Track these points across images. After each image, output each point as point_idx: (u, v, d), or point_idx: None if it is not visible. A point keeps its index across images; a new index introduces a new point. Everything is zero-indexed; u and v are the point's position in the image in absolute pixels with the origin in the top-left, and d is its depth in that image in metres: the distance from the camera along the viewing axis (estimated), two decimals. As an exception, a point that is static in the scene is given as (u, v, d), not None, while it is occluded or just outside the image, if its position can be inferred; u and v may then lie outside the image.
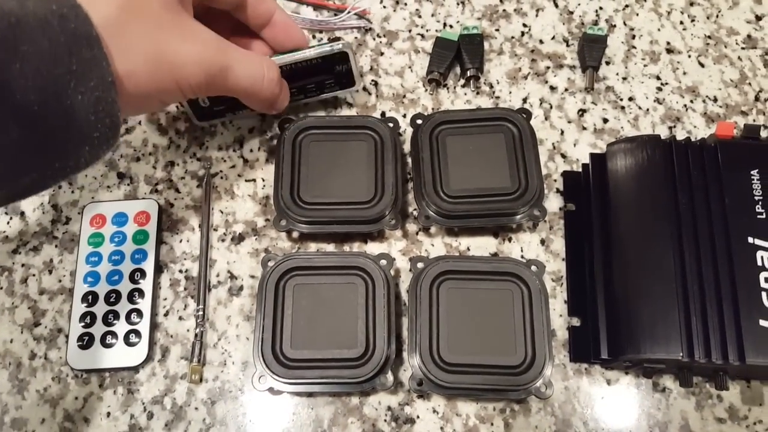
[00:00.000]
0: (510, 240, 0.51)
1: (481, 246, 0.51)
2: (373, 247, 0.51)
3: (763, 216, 0.45)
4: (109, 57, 0.34)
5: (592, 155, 0.50)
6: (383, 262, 0.47)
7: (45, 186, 0.36)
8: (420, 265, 0.47)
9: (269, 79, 0.46)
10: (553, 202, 0.52)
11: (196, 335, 0.48)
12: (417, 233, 0.52)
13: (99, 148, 0.36)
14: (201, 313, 0.48)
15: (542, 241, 0.51)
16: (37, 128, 0.32)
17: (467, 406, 0.46)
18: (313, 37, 0.60)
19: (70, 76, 0.33)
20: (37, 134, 0.32)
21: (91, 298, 0.48)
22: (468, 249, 0.51)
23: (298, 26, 0.52)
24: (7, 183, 0.34)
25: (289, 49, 0.50)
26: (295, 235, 0.51)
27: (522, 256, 0.51)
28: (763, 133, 0.50)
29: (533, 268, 0.47)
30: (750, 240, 0.44)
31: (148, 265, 0.49)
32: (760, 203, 0.45)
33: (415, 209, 0.51)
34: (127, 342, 0.47)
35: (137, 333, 0.47)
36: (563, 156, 0.54)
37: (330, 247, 0.51)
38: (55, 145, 0.34)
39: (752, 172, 0.46)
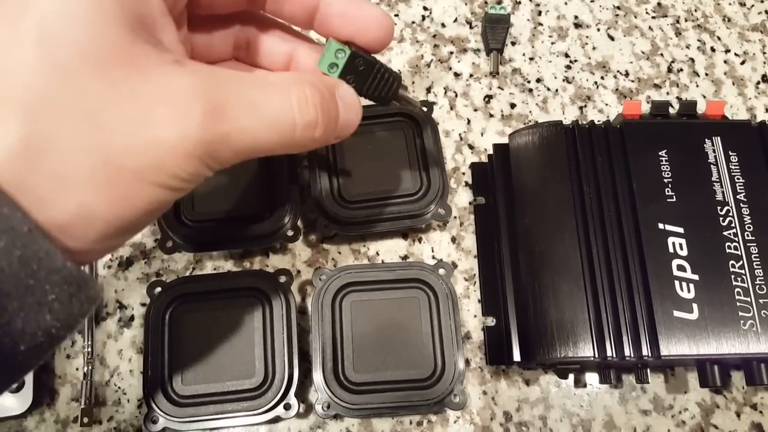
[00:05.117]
0: (420, 241, 0.48)
1: (391, 249, 0.48)
2: (276, 260, 0.48)
3: (674, 199, 0.43)
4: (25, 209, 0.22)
5: (495, 146, 0.48)
6: (282, 278, 0.44)
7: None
8: (322, 278, 0.44)
9: (304, 124, 0.28)
10: (463, 197, 0.50)
11: (84, 374, 0.44)
12: (322, 241, 0.49)
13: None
14: (89, 349, 0.44)
15: (453, 239, 0.48)
16: None
17: (383, 423, 0.44)
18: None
19: None
20: None
21: (-35, 344, 0.44)
22: (377, 254, 0.48)
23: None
24: None
25: (370, 40, 0.32)
26: (188, 255, 0.47)
27: (433, 257, 0.48)
28: (676, 107, 0.48)
29: (441, 270, 0.44)
30: (660, 226, 0.42)
31: (28, 302, 0.45)
32: (669, 185, 0.43)
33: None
34: (11, 388, 0.43)
35: (20, 378, 0.43)
36: (471, 147, 0.51)
37: (229, 265, 0.48)
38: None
39: (660, 153, 0.44)
